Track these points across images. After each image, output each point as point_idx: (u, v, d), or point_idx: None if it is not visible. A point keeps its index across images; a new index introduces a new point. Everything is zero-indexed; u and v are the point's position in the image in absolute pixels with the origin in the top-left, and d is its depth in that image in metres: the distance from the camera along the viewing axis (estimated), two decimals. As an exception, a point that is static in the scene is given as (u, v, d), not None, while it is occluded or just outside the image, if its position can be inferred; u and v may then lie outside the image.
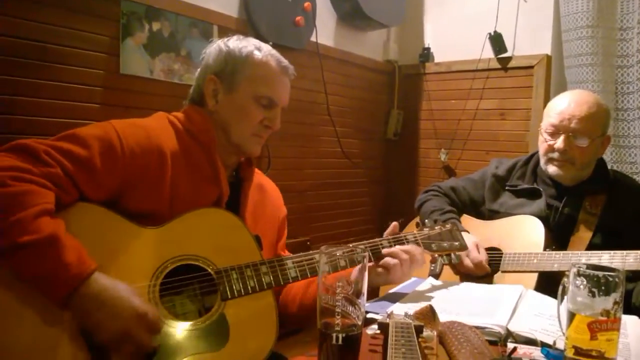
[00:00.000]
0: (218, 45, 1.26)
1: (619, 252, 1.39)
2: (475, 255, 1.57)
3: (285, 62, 1.28)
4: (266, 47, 1.27)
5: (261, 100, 1.23)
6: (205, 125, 1.22)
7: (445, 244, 1.44)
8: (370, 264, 1.29)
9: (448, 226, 1.48)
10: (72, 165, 1.03)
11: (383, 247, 1.32)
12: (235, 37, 1.28)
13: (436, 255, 1.44)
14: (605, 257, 1.40)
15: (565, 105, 1.60)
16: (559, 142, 1.58)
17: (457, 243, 1.47)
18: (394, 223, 1.39)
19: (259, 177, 1.40)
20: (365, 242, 1.31)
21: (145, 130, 1.14)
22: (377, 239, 1.33)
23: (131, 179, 1.09)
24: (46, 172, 1.00)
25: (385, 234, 1.37)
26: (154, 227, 1.09)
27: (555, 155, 1.61)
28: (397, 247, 1.32)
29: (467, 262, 1.57)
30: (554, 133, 1.61)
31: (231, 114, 1.24)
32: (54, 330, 0.94)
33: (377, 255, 1.31)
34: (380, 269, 1.30)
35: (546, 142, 1.63)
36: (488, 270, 1.57)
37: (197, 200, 1.17)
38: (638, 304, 1.42)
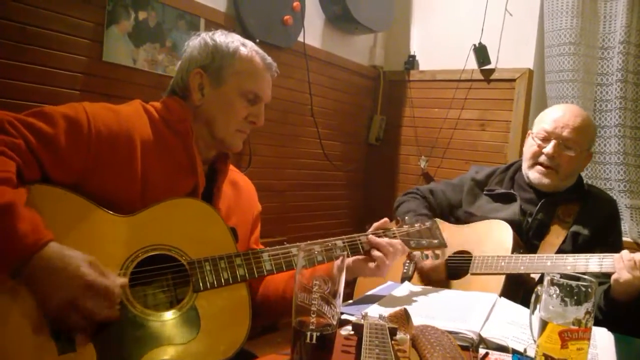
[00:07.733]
0: (203, 38, 1.25)
1: (582, 255, 1.44)
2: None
3: (268, 59, 1.29)
4: (250, 44, 1.28)
5: (247, 95, 1.24)
6: (183, 115, 1.21)
7: (424, 241, 1.45)
8: (361, 257, 1.32)
9: (428, 224, 1.50)
10: (36, 141, 1.01)
11: (361, 243, 1.32)
12: (219, 32, 1.28)
13: (414, 252, 1.46)
14: (569, 260, 1.44)
15: (560, 114, 1.67)
16: (549, 147, 1.64)
17: (436, 241, 1.48)
18: (385, 219, 1.42)
19: (234, 174, 1.39)
20: (344, 237, 1.31)
21: (116, 114, 1.13)
22: (355, 235, 1.34)
23: (98, 162, 1.07)
24: (9, 141, 0.98)
25: (374, 226, 1.39)
26: (125, 215, 1.07)
27: (542, 158, 1.66)
28: (384, 239, 1.34)
29: (427, 263, 1.63)
30: (546, 139, 1.66)
31: (217, 108, 1.23)
32: (15, 311, 0.90)
33: (364, 249, 1.32)
34: (371, 263, 1.32)
35: (536, 145, 1.68)
36: (442, 277, 1.63)
37: (172, 190, 1.15)
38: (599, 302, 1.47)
